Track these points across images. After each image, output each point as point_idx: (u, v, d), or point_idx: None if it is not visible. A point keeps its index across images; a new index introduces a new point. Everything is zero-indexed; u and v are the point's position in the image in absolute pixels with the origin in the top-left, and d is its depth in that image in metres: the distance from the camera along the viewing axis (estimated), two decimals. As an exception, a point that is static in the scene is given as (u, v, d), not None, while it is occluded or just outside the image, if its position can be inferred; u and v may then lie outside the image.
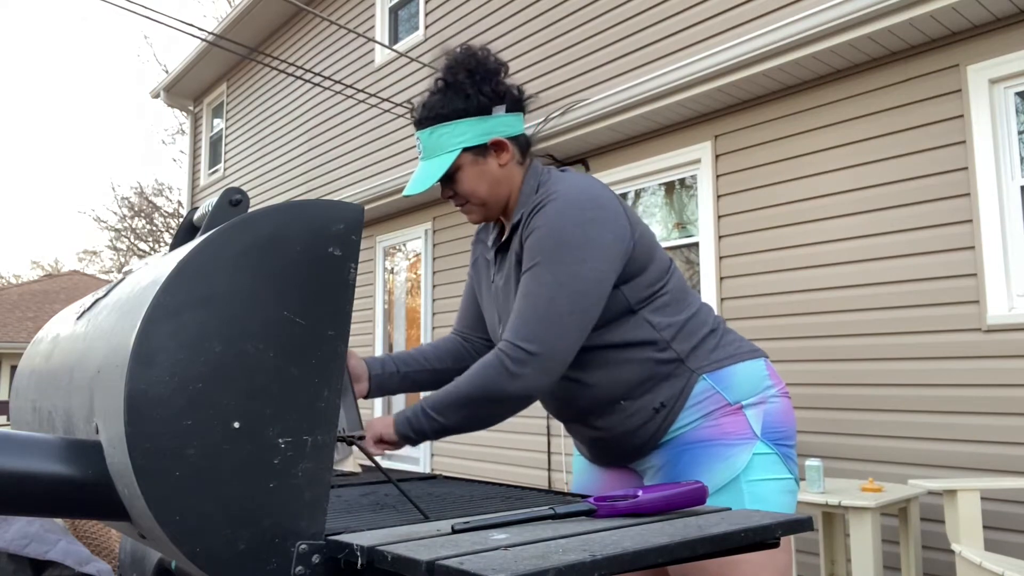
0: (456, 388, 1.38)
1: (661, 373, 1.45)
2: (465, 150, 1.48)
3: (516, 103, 1.53)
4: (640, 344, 1.45)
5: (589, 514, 1.05)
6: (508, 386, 1.35)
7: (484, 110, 1.49)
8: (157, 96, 12.30)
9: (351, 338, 8.13)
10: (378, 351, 7.82)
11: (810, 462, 3.34)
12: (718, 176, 4.73)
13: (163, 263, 0.95)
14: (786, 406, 1.49)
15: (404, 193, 1.52)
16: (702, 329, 1.49)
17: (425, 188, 1.46)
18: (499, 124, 1.50)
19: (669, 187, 5.15)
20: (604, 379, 1.45)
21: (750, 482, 1.40)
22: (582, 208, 1.39)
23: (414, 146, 7.46)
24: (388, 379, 1.62)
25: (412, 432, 1.41)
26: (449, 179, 1.51)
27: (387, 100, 6.81)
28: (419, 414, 1.40)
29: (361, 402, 8.42)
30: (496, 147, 1.50)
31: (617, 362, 1.45)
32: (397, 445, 1.45)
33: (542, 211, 1.41)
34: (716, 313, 1.56)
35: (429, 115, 1.50)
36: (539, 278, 1.37)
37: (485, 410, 1.38)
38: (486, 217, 1.55)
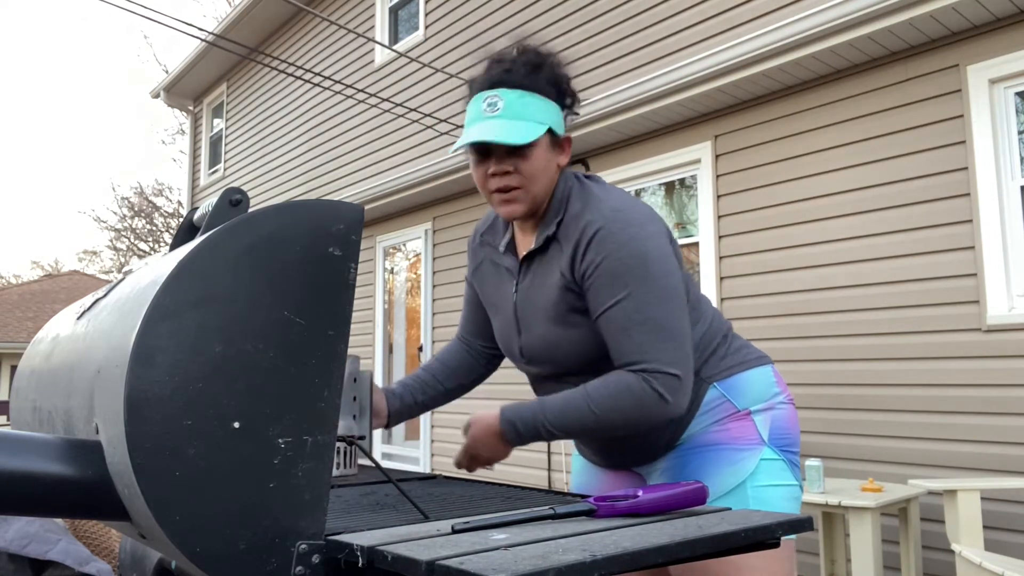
0: (591, 414, 1.32)
1: None
2: (549, 131, 1.39)
3: (571, 113, 1.49)
4: None
5: (589, 514, 1.05)
6: (664, 414, 1.32)
7: (563, 106, 1.44)
8: (157, 96, 12.30)
9: (351, 338, 8.13)
10: (378, 351, 7.82)
11: (810, 462, 3.34)
12: (718, 176, 4.73)
13: (163, 263, 0.95)
14: (792, 413, 1.49)
15: (481, 139, 1.32)
16: (715, 338, 1.48)
17: (519, 141, 1.32)
18: (563, 124, 1.44)
19: (669, 187, 5.15)
20: None
21: (756, 487, 1.40)
22: (642, 223, 1.34)
23: (415, 146, 7.46)
24: (406, 411, 1.60)
25: (521, 443, 1.40)
26: (521, 153, 1.37)
27: (387, 100, 6.81)
28: (539, 431, 1.37)
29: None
30: (565, 144, 1.44)
31: None
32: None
33: (602, 233, 1.34)
34: (723, 317, 1.54)
35: (520, 80, 1.38)
36: (645, 300, 1.31)
37: (615, 432, 1.34)
38: (526, 212, 1.42)
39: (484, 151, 1.40)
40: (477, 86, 1.42)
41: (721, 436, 1.43)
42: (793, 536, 1.38)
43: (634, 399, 1.30)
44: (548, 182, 1.41)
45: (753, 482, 1.40)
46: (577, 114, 1.50)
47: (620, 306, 1.32)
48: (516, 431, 1.38)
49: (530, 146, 1.37)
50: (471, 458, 1.46)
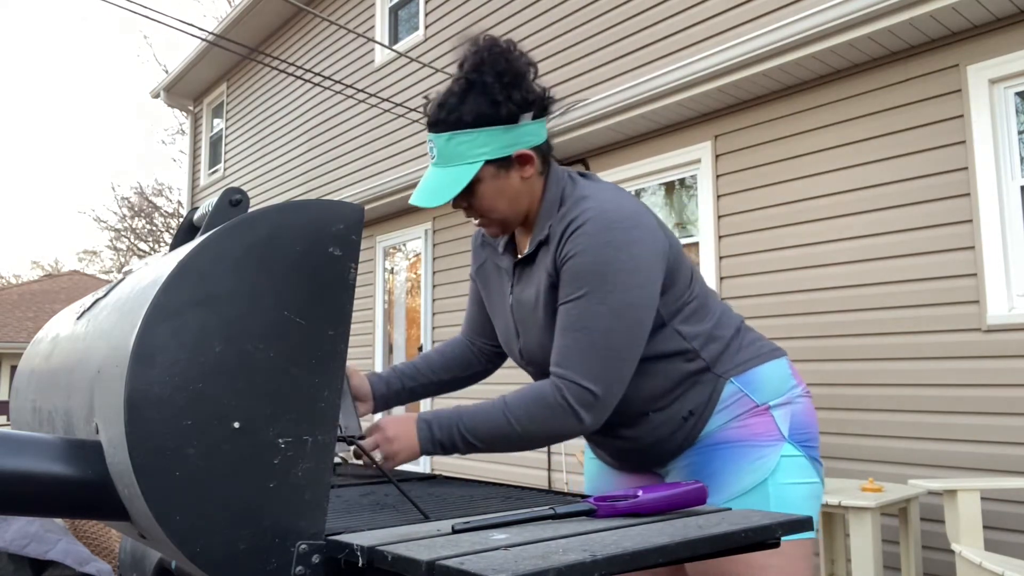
0: (505, 420, 1.30)
1: (689, 381, 1.40)
2: (487, 163, 1.35)
3: (543, 109, 1.41)
4: (671, 356, 1.39)
5: (589, 514, 1.05)
6: (574, 429, 1.29)
7: (511, 119, 1.35)
8: (157, 96, 12.29)
9: (351, 338, 8.13)
10: (378, 351, 7.82)
11: (810, 462, 3.34)
12: (718, 176, 4.73)
13: (163, 263, 0.95)
14: (810, 406, 1.46)
15: (414, 202, 1.34)
16: (727, 332, 1.44)
17: (441, 203, 1.33)
18: (524, 134, 1.37)
19: (669, 187, 5.15)
20: (633, 392, 1.39)
21: (778, 485, 1.36)
22: (624, 228, 1.29)
23: (415, 146, 7.46)
24: (393, 396, 1.58)
25: (438, 450, 1.33)
26: (467, 193, 1.37)
27: (387, 100, 6.81)
28: (454, 436, 1.32)
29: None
30: (520, 160, 1.38)
31: (647, 374, 1.39)
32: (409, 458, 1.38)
33: (580, 232, 1.30)
34: (734, 312, 1.52)
35: (447, 118, 1.35)
36: (592, 309, 1.27)
37: (534, 444, 1.31)
38: (504, 231, 1.44)
39: None
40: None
41: (741, 433, 1.39)
42: (812, 535, 1.37)
43: (547, 409, 1.28)
44: (514, 199, 1.39)
45: (775, 480, 1.36)
46: (552, 101, 1.43)
47: (567, 306, 1.30)
48: (430, 430, 1.33)
49: (474, 182, 1.36)
50: (384, 454, 1.35)
